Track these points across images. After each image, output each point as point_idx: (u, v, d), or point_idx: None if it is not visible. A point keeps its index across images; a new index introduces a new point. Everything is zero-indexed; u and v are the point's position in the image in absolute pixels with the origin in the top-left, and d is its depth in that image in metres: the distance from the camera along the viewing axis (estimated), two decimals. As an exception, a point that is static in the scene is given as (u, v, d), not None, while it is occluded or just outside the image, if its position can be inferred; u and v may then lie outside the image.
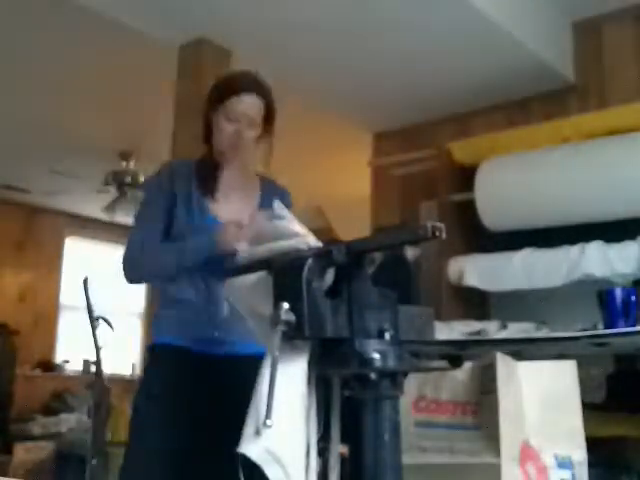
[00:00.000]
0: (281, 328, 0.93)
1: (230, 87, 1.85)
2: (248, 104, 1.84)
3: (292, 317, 0.94)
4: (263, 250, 1.29)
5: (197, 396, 1.69)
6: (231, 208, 1.82)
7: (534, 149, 3.09)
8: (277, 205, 1.41)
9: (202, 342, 1.72)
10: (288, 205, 1.94)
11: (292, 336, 0.94)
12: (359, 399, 0.96)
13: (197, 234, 1.72)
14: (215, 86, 1.91)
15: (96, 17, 3.03)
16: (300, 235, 1.23)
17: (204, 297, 1.74)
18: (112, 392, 4.64)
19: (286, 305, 0.95)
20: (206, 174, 1.84)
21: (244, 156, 1.89)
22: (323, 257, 0.96)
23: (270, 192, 1.90)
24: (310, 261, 0.94)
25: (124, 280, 1.78)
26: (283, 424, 0.98)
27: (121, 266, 1.76)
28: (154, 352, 1.80)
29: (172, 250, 1.72)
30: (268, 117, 1.90)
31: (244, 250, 1.40)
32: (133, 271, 1.76)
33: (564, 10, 3.37)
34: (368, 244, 1.01)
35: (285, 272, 0.97)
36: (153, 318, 1.86)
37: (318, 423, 1.20)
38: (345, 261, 0.96)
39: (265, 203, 1.84)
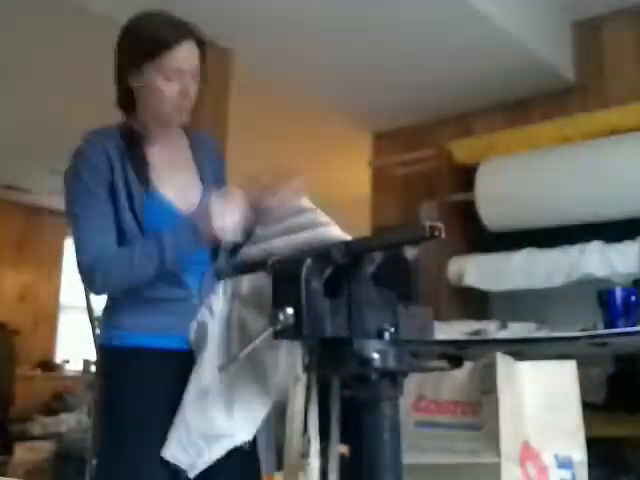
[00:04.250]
0: (279, 328, 0.92)
1: (161, 40, 1.50)
2: (188, 56, 1.52)
3: (290, 317, 0.93)
4: (287, 242, 1.29)
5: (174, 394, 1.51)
6: (177, 187, 1.59)
7: (534, 149, 3.09)
8: (302, 199, 1.40)
9: (174, 339, 1.54)
10: (221, 157, 1.77)
11: (291, 336, 0.94)
12: (359, 399, 0.96)
13: (167, 228, 1.47)
14: (133, 41, 1.55)
15: (96, 17, 3.03)
16: (325, 224, 1.23)
17: (181, 293, 1.55)
18: (112, 392, 4.63)
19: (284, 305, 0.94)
20: (138, 154, 1.55)
21: (188, 116, 1.60)
22: (322, 257, 0.96)
23: (202, 147, 1.70)
24: (309, 261, 0.93)
25: (90, 291, 1.53)
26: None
27: (82, 277, 1.48)
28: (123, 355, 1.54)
29: (148, 254, 1.45)
30: (202, 57, 1.58)
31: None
32: (101, 284, 1.48)
33: (564, 10, 3.37)
34: (367, 244, 1.00)
35: (284, 272, 0.97)
36: (111, 315, 1.58)
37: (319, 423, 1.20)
38: (344, 261, 0.96)
39: (203, 163, 1.67)
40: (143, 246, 1.47)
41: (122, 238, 1.51)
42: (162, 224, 1.50)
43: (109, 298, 1.62)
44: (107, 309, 1.61)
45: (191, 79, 1.54)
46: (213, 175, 1.68)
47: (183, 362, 1.50)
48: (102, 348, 1.62)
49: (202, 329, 1.50)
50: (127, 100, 1.60)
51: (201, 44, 1.57)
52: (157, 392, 1.52)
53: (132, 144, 1.56)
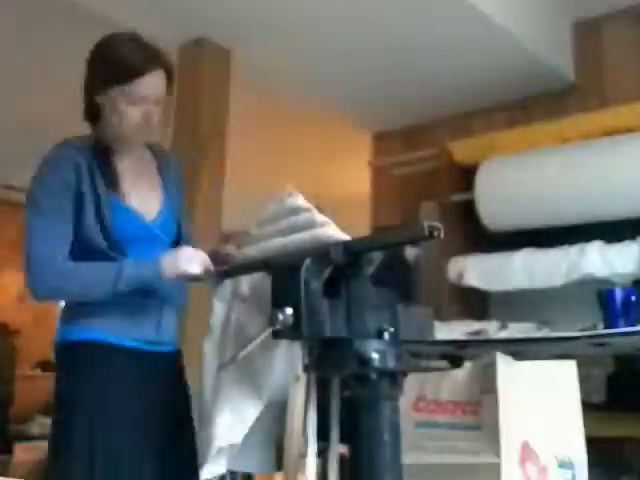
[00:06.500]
0: (279, 328, 0.92)
1: (131, 67, 1.53)
2: (155, 84, 1.56)
3: (290, 317, 0.93)
4: (286, 243, 1.30)
5: (145, 396, 1.57)
6: (141, 196, 1.63)
7: (534, 149, 3.08)
8: (298, 198, 1.42)
9: (141, 340, 1.59)
10: (180, 177, 1.82)
11: (290, 336, 0.94)
12: (358, 399, 0.96)
13: (137, 258, 1.54)
14: (103, 62, 1.57)
15: (96, 17, 3.03)
16: (324, 225, 1.24)
17: (144, 294, 1.56)
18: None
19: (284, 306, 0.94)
20: (106, 165, 1.59)
21: (152, 138, 1.67)
22: (321, 257, 0.96)
23: (166, 165, 1.75)
24: (308, 261, 0.93)
25: (34, 298, 1.54)
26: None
27: (30, 287, 1.53)
28: (86, 349, 1.56)
29: (103, 275, 1.49)
30: (169, 84, 1.62)
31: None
32: (48, 295, 1.57)
33: (564, 10, 3.37)
34: (366, 244, 1.00)
35: (283, 272, 0.97)
36: (73, 311, 1.61)
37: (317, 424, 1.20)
38: (344, 261, 0.96)
39: (166, 181, 1.72)
40: (101, 268, 1.52)
41: (85, 247, 1.55)
42: (128, 230, 1.58)
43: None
44: (67, 307, 1.64)
45: (154, 105, 1.58)
46: (175, 190, 1.75)
47: (149, 362, 1.58)
48: (62, 344, 1.62)
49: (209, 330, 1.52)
50: (93, 113, 1.63)
51: (169, 73, 1.61)
52: (124, 390, 1.55)
53: (100, 154, 1.60)
